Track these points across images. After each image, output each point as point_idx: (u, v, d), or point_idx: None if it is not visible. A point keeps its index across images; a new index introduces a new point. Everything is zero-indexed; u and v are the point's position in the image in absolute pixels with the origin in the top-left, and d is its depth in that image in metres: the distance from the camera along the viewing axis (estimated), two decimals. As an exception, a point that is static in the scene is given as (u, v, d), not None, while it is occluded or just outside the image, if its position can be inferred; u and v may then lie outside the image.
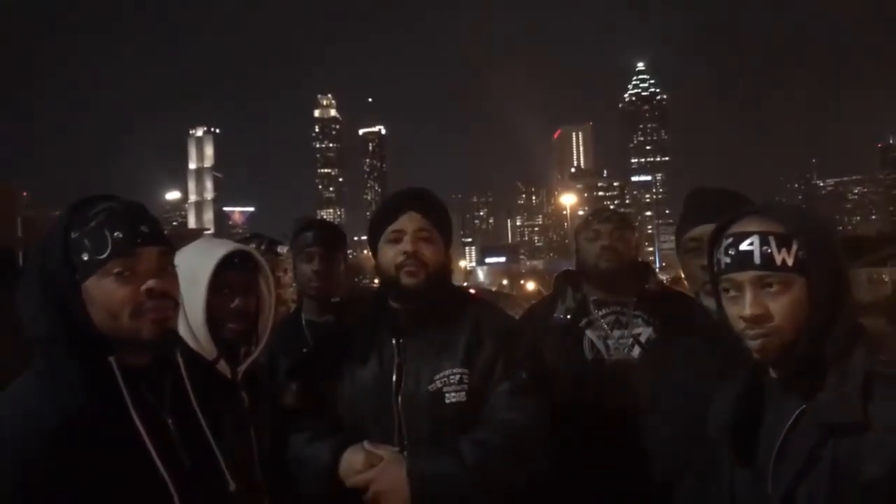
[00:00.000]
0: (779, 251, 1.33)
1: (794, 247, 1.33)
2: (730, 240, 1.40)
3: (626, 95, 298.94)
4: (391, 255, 2.06)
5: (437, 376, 1.99)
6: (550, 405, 2.01)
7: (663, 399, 2.07)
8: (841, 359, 1.32)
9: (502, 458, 1.91)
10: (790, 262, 1.33)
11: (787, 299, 1.33)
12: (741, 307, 1.36)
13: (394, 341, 2.06)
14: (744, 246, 1.36)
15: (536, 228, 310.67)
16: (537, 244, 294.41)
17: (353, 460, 1.90)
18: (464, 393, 1.98)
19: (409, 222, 2.07)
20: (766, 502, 1.36)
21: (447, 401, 1.97)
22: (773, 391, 1.43)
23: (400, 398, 1.99)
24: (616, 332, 2.62)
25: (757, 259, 1.34)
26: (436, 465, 1.88)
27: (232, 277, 1.94)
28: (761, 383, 1.46)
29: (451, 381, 1.99)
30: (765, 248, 1.34)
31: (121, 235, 1.37)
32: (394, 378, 2.01)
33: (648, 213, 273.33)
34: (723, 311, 1.43)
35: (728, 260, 1.38)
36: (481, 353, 2.03)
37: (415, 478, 1.84)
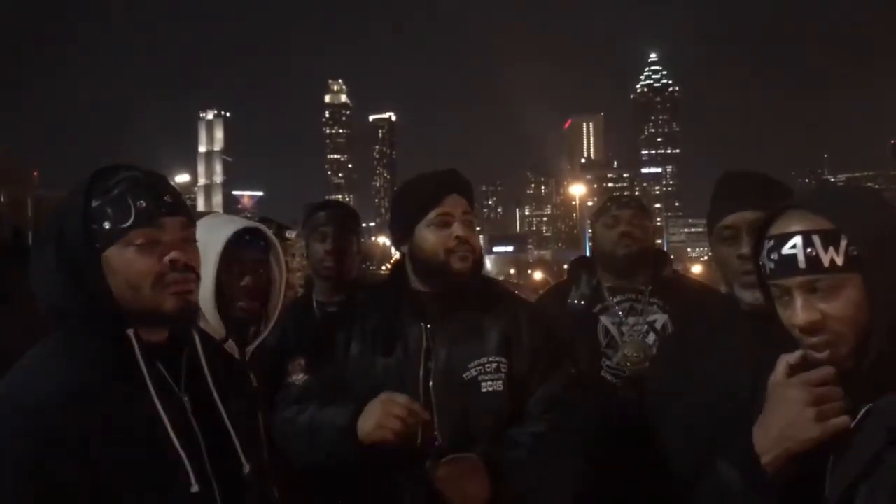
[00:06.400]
0: (825, 251, 1.18)
1: (843, 243, 1.17)
2: (771, 243, 1.26)
3: (637, 86, 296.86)
4: (439, 238, 1.93)
5: (472, 364, 1.91)
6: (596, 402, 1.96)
7: (687, 391, 1.99)
8: None
9: (565, 451, 1.88)
10: (839, 261, 1.17)
11: (841, 301, 1.19)
12: (793, 313, 1.23)
13: (422, 325, 1.95)
14: (786, 250, 1.22)
15: (545, 218, 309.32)
16: (545, 234, 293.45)
17: (377, 410, 1.74)
18: (500, 382, 1.91)
19: (455, 205, 1.96)
20: None
21: (483, 390, 1.89)
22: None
23: (431, 385, 1.89)
24: (631, 319, 2.60)
25: (802, 263, 1.20)
26: (507, 454, 1.82)
27: (242, 255, 1.91)
28: None
29: (488, 369, 1.91)
30: (809, 250, 1.19)
31: (144, 204, 1.33)
32: (422, 364, 1.91)
33: (658, 206, 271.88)
34: (780, 316, 1.30)
35: (773, 265, 1.25)
36: (520, 343, 1.96)
37: (492, 467, 1.77)
